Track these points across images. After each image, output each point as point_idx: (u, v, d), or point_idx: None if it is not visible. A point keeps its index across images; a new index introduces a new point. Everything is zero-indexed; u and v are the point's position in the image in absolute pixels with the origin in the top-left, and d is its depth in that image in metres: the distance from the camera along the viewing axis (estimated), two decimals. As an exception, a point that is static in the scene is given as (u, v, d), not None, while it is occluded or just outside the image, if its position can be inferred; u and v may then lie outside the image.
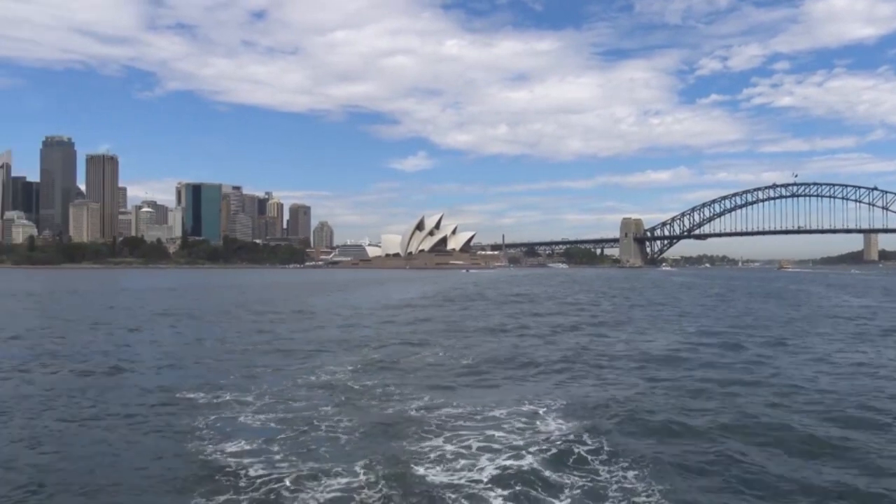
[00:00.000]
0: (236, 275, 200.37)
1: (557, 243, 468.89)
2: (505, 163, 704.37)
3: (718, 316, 47.03)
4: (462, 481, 11.14)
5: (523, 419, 15.10)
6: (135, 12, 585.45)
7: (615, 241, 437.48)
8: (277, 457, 12.45)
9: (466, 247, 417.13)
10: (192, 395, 17.81)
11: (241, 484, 11.05)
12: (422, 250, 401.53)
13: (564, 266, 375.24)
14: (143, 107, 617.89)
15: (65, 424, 15.08)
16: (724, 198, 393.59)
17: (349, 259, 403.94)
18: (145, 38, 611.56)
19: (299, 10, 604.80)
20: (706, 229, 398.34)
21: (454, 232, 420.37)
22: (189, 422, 15.02)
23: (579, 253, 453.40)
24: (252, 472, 11.55)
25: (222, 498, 10.50)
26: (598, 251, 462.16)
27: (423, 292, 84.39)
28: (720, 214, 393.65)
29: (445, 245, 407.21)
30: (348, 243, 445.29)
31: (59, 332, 35.01)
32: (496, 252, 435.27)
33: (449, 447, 12.98)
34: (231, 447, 13.05)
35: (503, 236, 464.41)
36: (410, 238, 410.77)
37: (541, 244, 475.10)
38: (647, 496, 10.54)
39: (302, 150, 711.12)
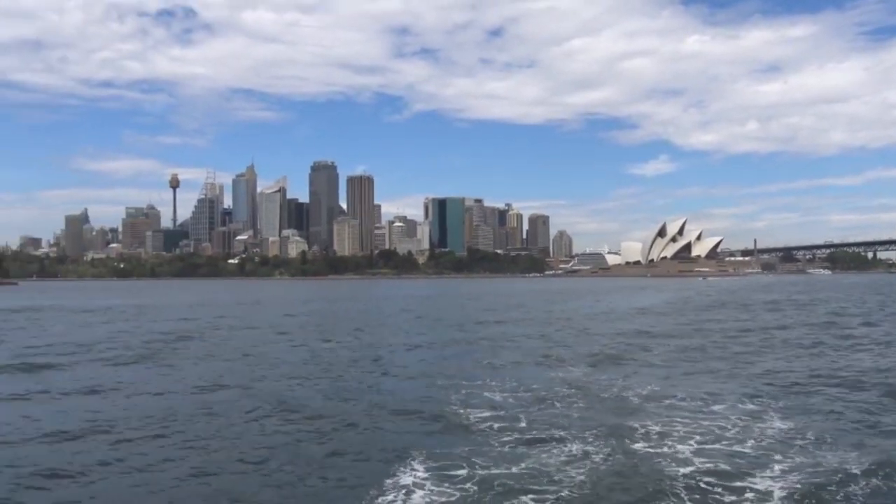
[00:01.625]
0: (480, 284, 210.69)
1: (819, 247, 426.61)
2: (755, 161, 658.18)
3: None
4: (666, 453, 13.24)
5: (742, 416, 16.35)
6: (384, 43, 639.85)
7: (891, 242, 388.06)
8: (521, 424, 15.43)
9: (713, 253, 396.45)
10: (449, 377, 21.82)
11: (491, 441, 14.14)
12: (664, 257, 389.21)
13: (827, 272, 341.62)
14: (392, 129, 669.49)
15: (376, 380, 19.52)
16: None
17: (588, 268, 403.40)
18: (393, 65, 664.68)
19: (535, 23, 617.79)
20: None
21: (699, 238, 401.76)
22: (447, 394, 18.96)
23: (846, 257, 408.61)
24: (495, 427, 14.75)
25: (468, 445, 13.64)
26: (870, 255, 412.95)
27: (660, 300, 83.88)
28: None
29: (689, 252, 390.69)
30: (587, 252, 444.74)
31: (378, 324, 41.65)
32: (747, 258, 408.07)
33: (658, 428, 15.08)
34: (479, 413, 16.41)
35: (755, 241, 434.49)
36: (651, 245, 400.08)
37: (799, 248, 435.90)
38: None
39: (540, 161, 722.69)
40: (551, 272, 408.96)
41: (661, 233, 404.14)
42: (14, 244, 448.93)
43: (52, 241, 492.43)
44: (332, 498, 11.12)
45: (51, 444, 14.38)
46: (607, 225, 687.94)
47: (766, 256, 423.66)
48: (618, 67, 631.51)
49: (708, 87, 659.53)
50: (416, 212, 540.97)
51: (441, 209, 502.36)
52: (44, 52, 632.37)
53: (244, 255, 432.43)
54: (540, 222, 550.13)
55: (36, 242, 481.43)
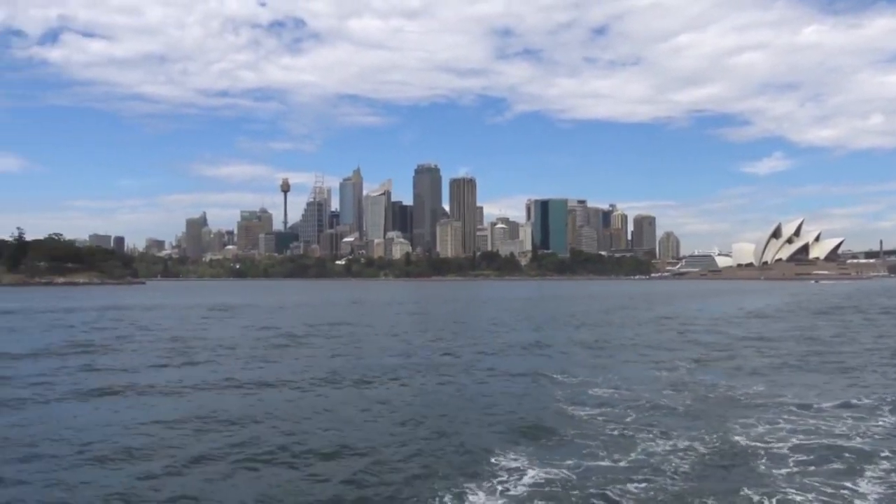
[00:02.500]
0: (584, 286, 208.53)
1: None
2: (880, 157, 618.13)
3: None
4: (769, 448, 13.73)
5: (848, 417, 16.51)
6: (486, 45, 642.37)
7: None
8: (627, 419, 16.23)
9: (833, 255, 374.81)
10: (554, 376, 22.70)
11: (597, 432, 15.02)
12: (778, 259, 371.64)
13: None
14: (495, 131, 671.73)
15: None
16: None
17: (697, 270, 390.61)
18: (496, 67, 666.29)
19: (640, 20, 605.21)
20: None
21: (817, 239, 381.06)
22: (553, 390, 19.92)
23: None
24: (600, 420, 15.62)
25: (574, 435, 14.57)
26: None
27: (771, 303, 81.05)
28: None
29: (807, 253, 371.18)
30: (696, 254, 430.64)
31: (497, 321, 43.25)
32: (871, 260, 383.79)
33: (763, 426, 15.53)
34: (585, 409, 17.31)
35: (881, 242, 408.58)
36: (765, 247, 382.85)
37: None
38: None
39: (645, 160, 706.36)
40: (657, 274, 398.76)
41: (776, 234, 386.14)
42: (141, 246, 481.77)
43: (174, 243, 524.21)
44: (448, 475, 12.28)
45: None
46: (717, 226, 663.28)
47: (894, 258, 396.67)
48: (727, 62, 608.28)
49: (826, 80, 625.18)
50: (518, 213, 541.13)
51: (544, 210, 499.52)
52: (167, 65, 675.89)
53: (350, 257, 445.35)
54: (646, 223, 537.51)
55: (160, 244, 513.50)
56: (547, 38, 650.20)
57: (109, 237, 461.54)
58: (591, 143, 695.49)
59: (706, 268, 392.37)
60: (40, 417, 17.01)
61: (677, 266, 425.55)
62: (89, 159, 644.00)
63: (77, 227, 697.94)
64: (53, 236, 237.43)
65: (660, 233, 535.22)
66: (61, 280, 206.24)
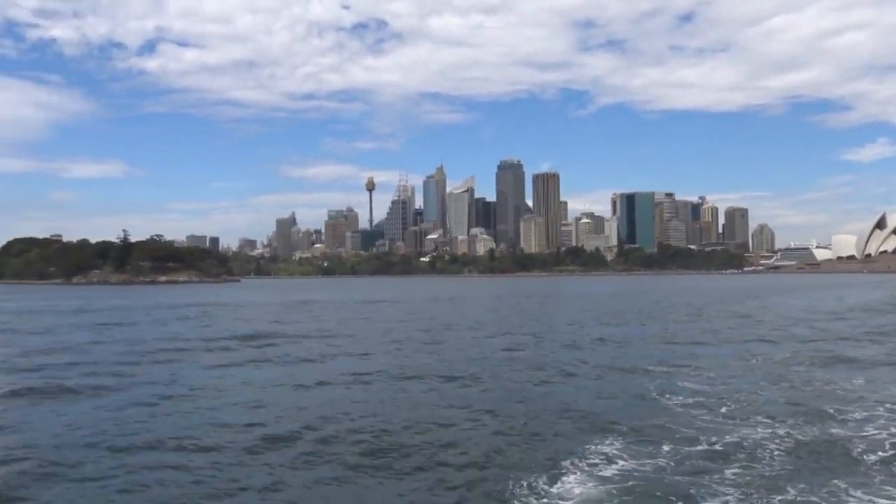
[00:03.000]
0: (673, 280, 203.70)
1: None
2: None
3: None
4: (866, 437, 13.55)
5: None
6: (568, 37, 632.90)
7: None
8: (722, 409, 16.28)
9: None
10: (649, 367, 22.89)
11: (689, 420, 15.13)
12: (883, 252, 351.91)
13: None
14: (578, 124, 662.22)
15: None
16: None
17: (793, 263, 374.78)
18: (578, 59, 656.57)
19: (730, 4, 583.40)
20: None
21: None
22: (643, 382, 20.09)
23: None
24: (693, 410, 15.71)
25: (666, 423, 14.70)
26: None
27: (878, 297, 77.26)
28: None
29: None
30: (792, 246, 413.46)
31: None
32: None
33: (861, 414, 15.32)
34: (677, 398, 17.41)
35: None
36: (868, 238, 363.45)
37: None
38: None
39: (736, 150, 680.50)
40: (750, 268, 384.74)
41: (880, 224, 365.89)
42: (234, 245, 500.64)
43: (265, 242, 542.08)
44: (542, 459, 12.70)
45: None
46: (815, 217, 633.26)
47: None
48: (826, 45, 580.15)
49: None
50: (603, 207, 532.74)
51: (630, 204, 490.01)
52: (255, 70, 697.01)
53: (435, 254, 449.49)
54: (737, 215, 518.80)
55: (251, 244, 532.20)
56: (631, 28, 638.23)
57: (205, 237, 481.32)
58: (678, 134, 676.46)
59: (803, 261, 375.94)
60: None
61: (772, 259, 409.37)
62: (185, 163, 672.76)
63: (175, 228, 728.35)
64: (155, 237, 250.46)
65: (752, 225, 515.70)
66: (163, 279, 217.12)
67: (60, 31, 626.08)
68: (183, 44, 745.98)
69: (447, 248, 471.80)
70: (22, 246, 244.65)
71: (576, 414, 16.28)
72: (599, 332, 37.84)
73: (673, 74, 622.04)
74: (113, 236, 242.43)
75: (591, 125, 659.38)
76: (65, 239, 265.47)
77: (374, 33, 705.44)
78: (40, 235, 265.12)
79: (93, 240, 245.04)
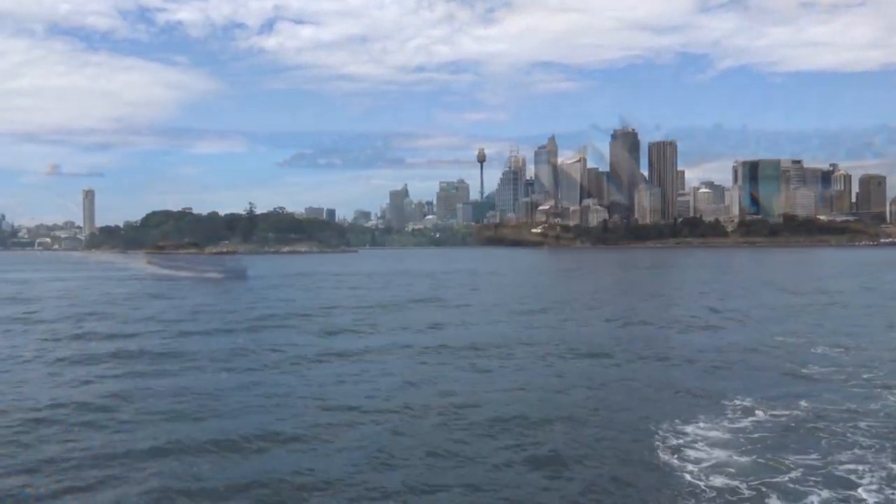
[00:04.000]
0: (799, 253, 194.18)
1: None
2: None
3: None
4: None
5: None
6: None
7: None
8: (866, 375, 16.92)
9: None
10: (777, 338, 23.68)
11: (825, 386, 15.96)
12: None
13: None
14: (696, 89, 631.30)
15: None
16: None
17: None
18: (697, 21, 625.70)
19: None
20: None
21: None
22: (775, 351, 20.79)
23: None
24: (827, 373, 16.59)
25: (801, 388, 15.60)
26: None
27: None
28: None
29: None
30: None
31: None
32: None
33: None
34: (813, 366, 18.13)
35: None
36: None
37: None
38: None
39: (874, 113, 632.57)
40: (888, 240, 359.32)
41: None
42: (349, 217, 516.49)
43: (378, 214, 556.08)
44: (683, 412, 14.09)
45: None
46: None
47: None
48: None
49: None
50: (723, 176, 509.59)
51: (752, 172, 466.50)
52: (368, 44, 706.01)
53: (546, 225, 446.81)
54: (873, 183, 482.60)
55: (366, 216, 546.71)
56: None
57: (322, 209, 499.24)
58: (807, 98, 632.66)
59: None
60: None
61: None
62: (301, 137, 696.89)
63: (294, 201, 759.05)
64: (277, 209, 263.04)
65: (891, 194, 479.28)
66: (286, 249, 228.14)
67: (187, 14, 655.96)
68: (299, 21, 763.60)
69: (559, 219, 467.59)
70: (159, 218, 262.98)
71: (710, 377, 17.43)
72: (729, 304, 37.95)
73: (802, 33, 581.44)
74: (235, 208, 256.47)
75: (711, 90, 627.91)
76: (194, 211, 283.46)
77: (484, 2, 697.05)
78: (173, 209, 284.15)
79: (221, 212, 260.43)
